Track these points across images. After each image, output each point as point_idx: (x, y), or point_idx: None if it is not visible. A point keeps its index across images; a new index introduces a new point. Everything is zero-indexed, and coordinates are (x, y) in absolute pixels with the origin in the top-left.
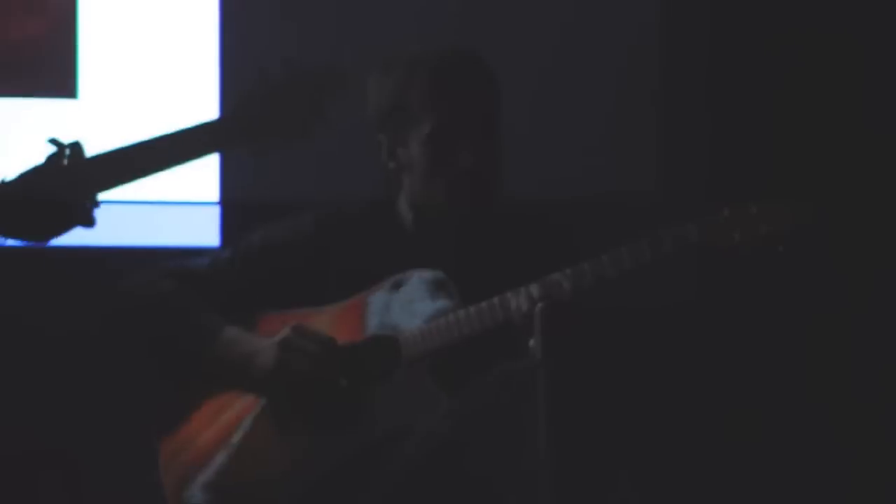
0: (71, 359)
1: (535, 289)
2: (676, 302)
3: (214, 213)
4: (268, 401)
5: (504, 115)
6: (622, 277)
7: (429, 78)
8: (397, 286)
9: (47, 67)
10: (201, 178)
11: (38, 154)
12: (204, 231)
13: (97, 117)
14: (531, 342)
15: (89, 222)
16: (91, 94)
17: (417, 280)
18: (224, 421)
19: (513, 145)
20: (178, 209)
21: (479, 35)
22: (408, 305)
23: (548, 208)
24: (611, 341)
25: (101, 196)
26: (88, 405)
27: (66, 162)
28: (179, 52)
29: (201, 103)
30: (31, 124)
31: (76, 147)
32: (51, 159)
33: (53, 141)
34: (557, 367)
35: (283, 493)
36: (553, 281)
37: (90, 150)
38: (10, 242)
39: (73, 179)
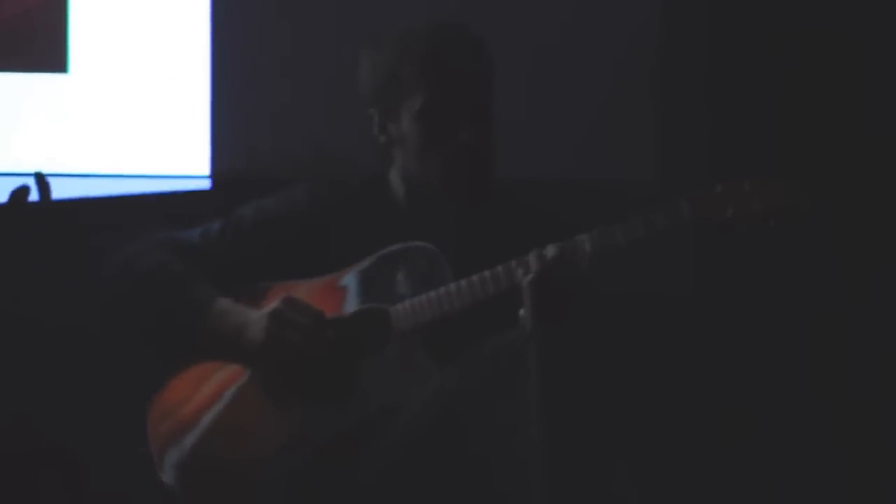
0: (62, 330)
1: (533, 258)
2: (674, 290)
3: (205, 187)
4: (258, 373)
5: (502, 100)
6: (615, 253)
7: (422, 52)
8: (389, 259)
9: (38, 42)
10: (192, 152)
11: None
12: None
13: (88, 92)
14: (521, 313)
15: None
16: (82, 69)
17: (409, 253)
18: (208, 389)
19: (511, 131)
20: (169, 183)
21: (479, 20)
22: (399, 278)
23: (543, 188)
24: (602, 313)
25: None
26: (81, 385)
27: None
28: (169, 26)
29: (191, 78)
30: (21, 99)
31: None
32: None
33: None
34: (547, 339)
35: (270, 464)
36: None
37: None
38: None
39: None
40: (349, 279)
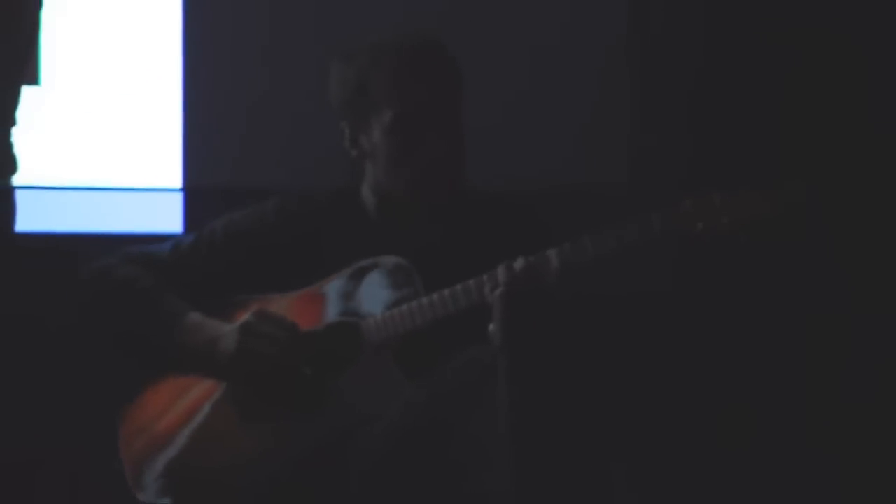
0: (34, 348)
1: (502, 271)
2: (647, 290)
3: (177, 200)
4: (230, 386)
5: (474, 105)
6: (587, 265)
7: (391, 65)
8: (361, 273)
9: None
10: (164, 164)
11: None
12: (167, 218)
13: (59, 104)
14: (490, 327)
15: None
16: (53, 81)
17: (380, 267)
18: (184, 405)
19: (484, 136)
20: (141, 196)
21: (451, 28)
22: (370, 292)
23: (514, 198)
24: (572, 326)
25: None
26: (53, 396)
27: None
28: (141, 38)
29: (163, 90)
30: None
31: None
32: None
33: None
34: (517, 352)
35: (245, 479)
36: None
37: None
38: None
39: None
40: (322, 292)
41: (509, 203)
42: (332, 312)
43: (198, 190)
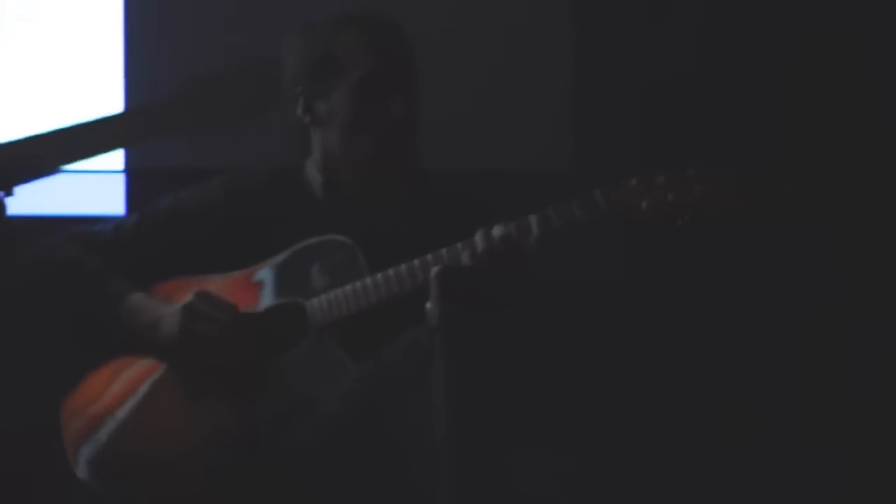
0: None
1: (479, 238)
2: (604, 276)
3: (119, 182)
4: (173, 367)
5: (424, 93)
6: (528, 245)
7: (361, 30)
8: (305, 252)
9: None
10: None
11: None
12: (109, 199)
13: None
14: (427, 306)
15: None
16: None
17: (325, 246)
18: (120, 385)
19: (432, 124)
20: (83, 177)
21: (401, 13)
22: (315, 272)
23: (459, 180)
24: (509, 305)
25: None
26: None
27: None
28: (82, 20)
29: (104, 69)
30: None
31: None
32: None
33: None
34: (453, 332)
35: (185, 459)
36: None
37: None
38: None
39: None
40: (265, 273)
41: (455, 184)
42: (275, 293)
43: (140, 171)
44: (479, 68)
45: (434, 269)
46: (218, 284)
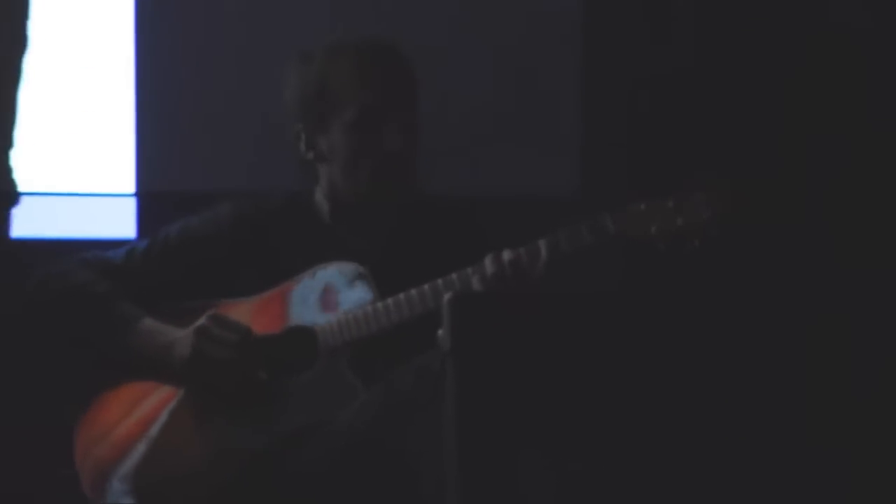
0: None
1: (489, 262)
2: (593, 290)
3: (130, 205)
4: (186, 391)
5: (427, 118)
6: (537, 268)
7: (353, 62)
8: (316, 278)
9: None
10: (117, 169)
11: None
12: (120, 223)
13: None
14: (439, 332)
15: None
16: None
17: (335, 272)
18: (142, 413)
19: (437, 148)
20: (94, 200)
21: (407, 32)
22: (326, 297)
23: (466, 205)
24: (522, 330)
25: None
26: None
27: None
28: (94, 43)
29: (116, 95)
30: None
31: None
32: None
33: None
34: (465, 357)
35: (201, 483)
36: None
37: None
38: None
39: None
40: (281, 297)
41: (463, 211)
42: (289, 317)
43: (151, 195)
44: (486, 93)
45: (447, 296)
46: (236, 308)
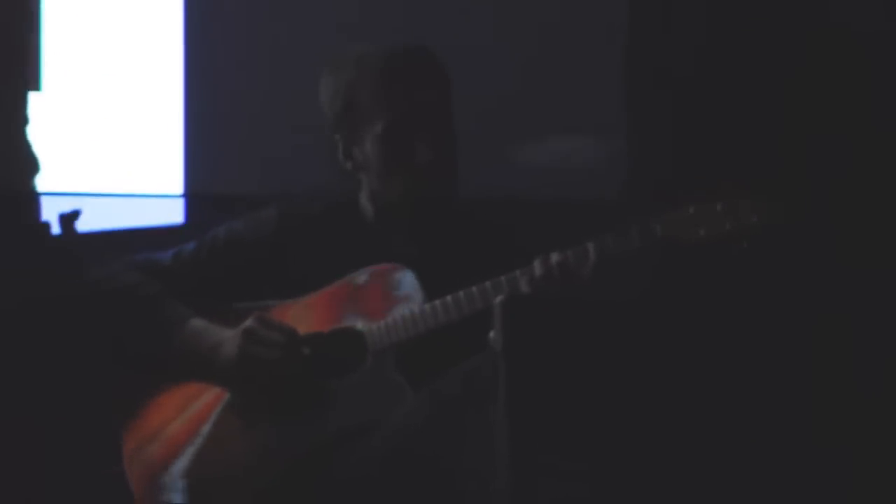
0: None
1: (538, 265)
2: (636, 296)
3: (179, 206)
4: (233, 391)
5: (468, 118)
6: (585, 271)
7: (377, 76)
8: (363, 279)
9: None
10: (165, 170)
11: None
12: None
13: (61, 110)
14: (491, 334)
15: None
16: (55, 87)
17: (383, 274)
18: (193, 412)
19: (478, 150)
20: (143, 201)
21: (446, 30)
22: (374, 299)
23: (511, 207)
24: (573, 333)
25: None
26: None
27: None
28: (143, 43)
29: (165, 96)
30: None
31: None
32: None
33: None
34: (517, 359)
35: (247, 484)
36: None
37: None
38: None
39: None
40: (324, 300)
41: (507, 211)
42: (339, 318)
43: (199, 196)
44: (530, 93)
45: (498, 298)
46: (287, 310)
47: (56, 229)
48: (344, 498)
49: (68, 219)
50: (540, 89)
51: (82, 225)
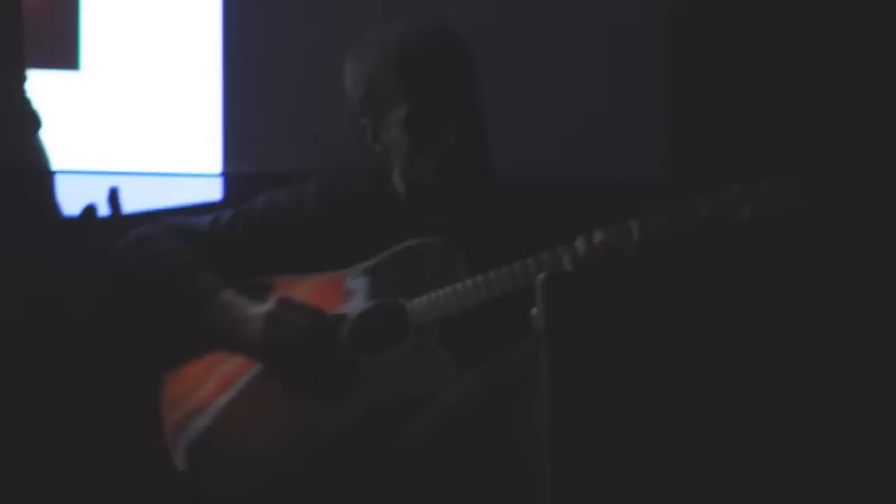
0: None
1: (581, 244)
2: (680, 275)
3: (217, 184)
4: (260, 370)
5: (501, 96)
6: (629, 250)
7: (398, 60)
8: (404, 255)
9: (49, 39)
10: (204, 149)
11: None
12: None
13: (99, 89)
14: (533, 311)
15: None
16: (93, 66)
17: (424, 248)
18: (218, 377)
19: (511, 128)
20: (181, 180)
21: (476, 14)
22: (415, 274)
23: (546, 185)
24: (616, 313)
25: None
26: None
27: None
28: (181, 22)
29: (203, 75)
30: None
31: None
32: None
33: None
34: (560, 338)
35: (280, 457)
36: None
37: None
38: None
39: None
40: (360, 275)
41: (542, 189)
42: (371, 295)
43: (237, 175)
44: (568, 73)
45: (540, 276)
46: (311, 285)
47: (101, 209)
48: (393, 477)
49: (112, 197)
50: (576, 66)
51: (124, 204)
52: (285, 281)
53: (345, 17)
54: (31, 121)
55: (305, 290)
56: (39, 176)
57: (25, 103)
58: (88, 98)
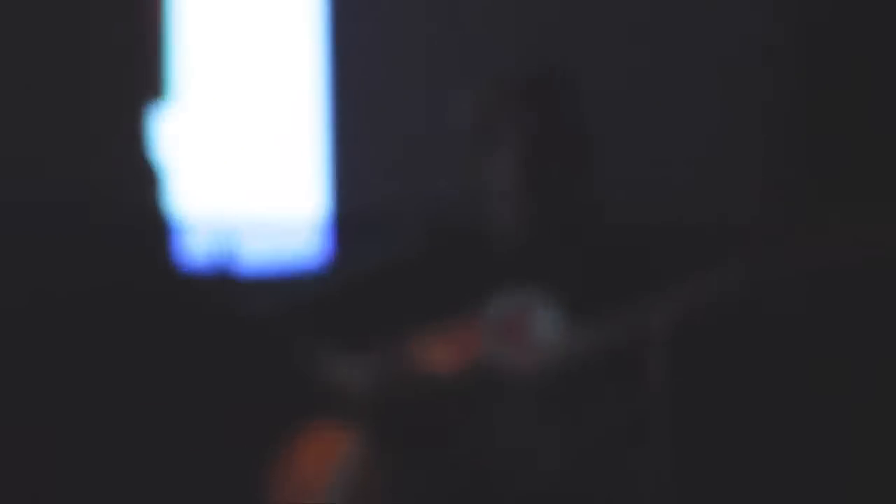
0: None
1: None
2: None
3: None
4: (369, 429)
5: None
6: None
7: (507, 100)
8: (506, 307)
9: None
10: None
11: None
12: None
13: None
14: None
15: None
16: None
17: (524, 300)
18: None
19: (613, 172)
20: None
21: (578, 61)
22: (518, 326)
23: (645, 232)
24: (736, 358)
25: None
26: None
27: None
28: (284, 68)
29: (307, 119)
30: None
31: None
32: None
33: None
34: (681, 390)
35: None
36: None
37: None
38: None
39: None
40: (465, 327)
41: (641, 236)
42: (482, 345)
43: (344, 217)
44: (676, 115)
45: (654, 322)
46: (423, 341)
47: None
48: None
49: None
50: (684, 108)
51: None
52: (406, 339)
53: (451, 55)
54: (148, 177)
55: (422, 344)
56: (157, 232)
57: (144, 158)
58: (188, 139)
